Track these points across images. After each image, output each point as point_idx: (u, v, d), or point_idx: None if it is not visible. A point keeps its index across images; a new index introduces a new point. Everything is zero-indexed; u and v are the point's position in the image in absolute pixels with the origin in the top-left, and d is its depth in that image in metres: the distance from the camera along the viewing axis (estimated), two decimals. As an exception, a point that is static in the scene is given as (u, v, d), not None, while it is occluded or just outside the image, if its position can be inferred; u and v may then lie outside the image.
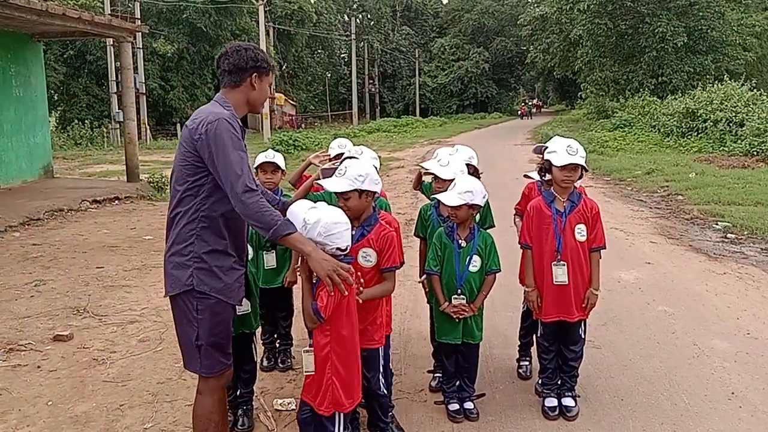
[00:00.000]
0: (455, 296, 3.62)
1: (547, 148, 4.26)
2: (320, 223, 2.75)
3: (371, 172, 3.10)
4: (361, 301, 2.96)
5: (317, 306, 2.74)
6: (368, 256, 3.12)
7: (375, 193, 3.14)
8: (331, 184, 3.11)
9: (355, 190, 3.04)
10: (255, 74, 2.84)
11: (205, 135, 2.64)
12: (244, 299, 3.44)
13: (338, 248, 2.78)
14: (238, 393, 3.63)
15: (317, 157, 3.95)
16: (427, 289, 3.98)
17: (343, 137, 4.87)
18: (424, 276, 3.93)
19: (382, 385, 3.29)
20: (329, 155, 4.00)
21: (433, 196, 3.91)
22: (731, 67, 26.82)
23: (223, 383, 2.89)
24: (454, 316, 3.60)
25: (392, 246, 3.13)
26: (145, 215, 10.58)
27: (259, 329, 3.98)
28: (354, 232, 3.12)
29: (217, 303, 2.73)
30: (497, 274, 3.71)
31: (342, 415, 2.87)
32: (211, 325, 2.73)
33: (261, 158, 4.15)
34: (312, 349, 2.85)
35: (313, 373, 2.84)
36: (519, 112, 54.61)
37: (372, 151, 4.05)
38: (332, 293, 2.70)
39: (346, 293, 2.72)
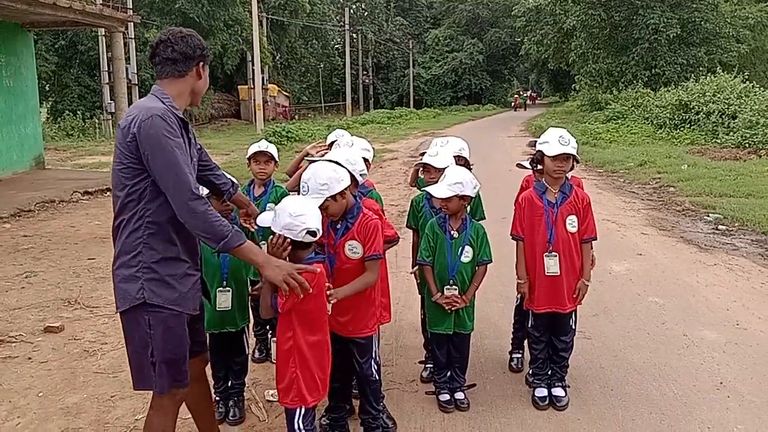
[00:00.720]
0: (447, 287, 3.63)
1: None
2: (289, 206, 2.74)
3: (331, 174, 2.98)
4: (330, 304, 2.92)
5: (277, 301, 2.70)
6: (354, 248, 3.12)
7: (349, 187, 3.07)
8: (310, 217, 3.13)
9: (326, 198, 2.98)
10: (201, 62, 2.65)
11: (137, 133, 2.41)
12: (226, 297, 3.45)
13: (308, 231, 2.72)
14: (229, 384, 3.65)
15: (314, 147, 3.95)
16: (418, 280, 3.99)
17: (341, 129, 4.86)
18: (416, 267, 3.94)
19: (374, 371, 3.30)
20: (326, 146, 3.99)
21: (423, 188, 3.91)
22: (724, 59, 26.86)
23: (178, 400, 2.72)
24: (447, 307, 3.62)
25: (375, 234, 3.11)
26: (137, 206, 10.53)
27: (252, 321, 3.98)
28: (339, 227, 3.13)
29: (172, 315, 2.52)
30: (489, 266, 3.72)
31: (303, 409, 2.83)
32: (165, 340, 2.52)
33: (254, 148, 4.13)
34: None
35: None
36: (513, 104, 54.57)
37: (365, 142, 4.04)
38: (287, 296, 2.64)
39: (302, 296, 2.64)
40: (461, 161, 3.95)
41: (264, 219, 2.89)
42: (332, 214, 3.05)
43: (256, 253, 2.58)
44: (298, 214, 2.70)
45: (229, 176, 3.15)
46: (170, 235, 2.52)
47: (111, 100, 23.84)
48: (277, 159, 4.19)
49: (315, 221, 2.75)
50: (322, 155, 3.61)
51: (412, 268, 4.15)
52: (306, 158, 3.82)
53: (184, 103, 2.67)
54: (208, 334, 3.57)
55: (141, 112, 2.45)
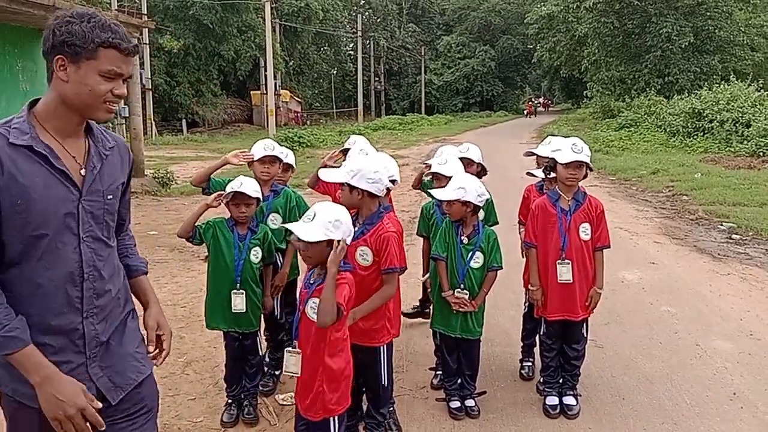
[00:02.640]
0: (458, 290, 3.62)
1: (534, 154, 4.30)
2: (322, 216, 2.65)
3: (364, 170, 3.05)
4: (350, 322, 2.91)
5: (340, 303, 2.58)
6: (365, 254, 3.13)
7: (371, 193, 3.08)
8: (325, 174, 3.34)
9: (346, 184, 3.07)
10: (59, 57, 1.74)
11: None
12: (240, 297, 3.46)
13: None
14: (243, 386, 3.66)
15: (332, 158, 4.03)
16: (430, 288, 3.98)
17: (358, 134, 4.86)
18: (427, 275, 3.94)
19: (383, 377, 3.29)
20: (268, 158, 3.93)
21: (428, 190, 3.94)
22: (738, 68, 26.68)
23: None
24: (454, 308, 3.61)
25: (389, 247, 3.09)
26: (150, 211, 10.62)
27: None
28: (355, 230, 3.13)
29: (22, 409, 1.80)
30: (501, 273, 3.72)
31: (336, 419, 2.77)
32: None
33: (260, 152, 3.74)
34: (297, 350, 2.72)
35: (297, 374, 2.72)
36: (525, 111, 54.48)
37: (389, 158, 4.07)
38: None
39: None
40: (478, 167, 3.97)
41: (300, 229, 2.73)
42: (343, 203, 3.06)
43: (33, 371, 1.71)
44: (337, 227, 2.66)
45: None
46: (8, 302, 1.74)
47: (125, 104, 24.06)
48: (291, 164, 4.17)
49: (350, 230, 2.73)
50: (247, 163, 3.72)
51: (423, 275, 4.15)
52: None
53: (63, 121, 1.81)
54: (223, 333, 3.63)
55: None
